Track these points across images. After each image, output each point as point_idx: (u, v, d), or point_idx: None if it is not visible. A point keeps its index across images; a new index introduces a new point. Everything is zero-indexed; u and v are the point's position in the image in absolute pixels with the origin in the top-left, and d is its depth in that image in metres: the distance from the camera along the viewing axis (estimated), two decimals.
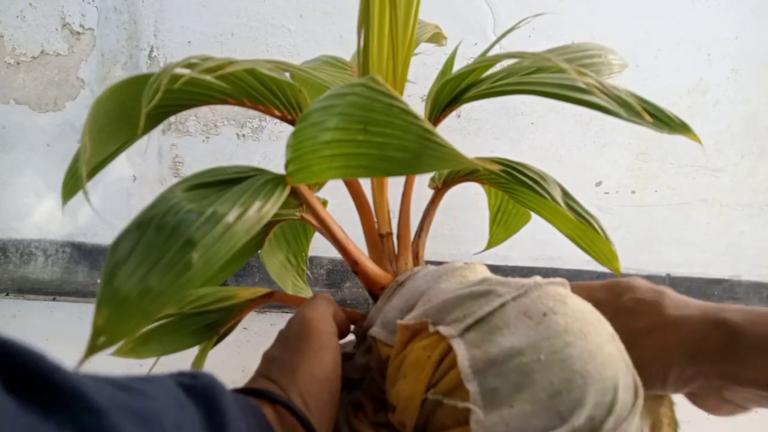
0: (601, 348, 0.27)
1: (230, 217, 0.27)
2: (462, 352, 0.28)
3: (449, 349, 0.29)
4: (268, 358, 0.36)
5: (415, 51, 0.42)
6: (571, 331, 0.27)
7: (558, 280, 0.31)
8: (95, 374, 0.20)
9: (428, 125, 0.26)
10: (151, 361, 0.45)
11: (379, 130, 0.27)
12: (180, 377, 0.25)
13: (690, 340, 0.32)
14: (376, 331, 0.36)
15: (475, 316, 0.29)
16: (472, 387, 0.27)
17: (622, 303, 0.36)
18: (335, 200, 0.60)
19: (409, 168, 0.27)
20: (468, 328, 0.29)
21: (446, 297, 0.32)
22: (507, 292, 0.30)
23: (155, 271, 0.25)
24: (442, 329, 0.30)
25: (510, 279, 0.31)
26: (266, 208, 0.29)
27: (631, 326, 0.34)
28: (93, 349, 0.23)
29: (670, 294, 0.37)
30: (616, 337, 0.29)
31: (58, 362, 0.17)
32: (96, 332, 0.23)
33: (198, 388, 0.24)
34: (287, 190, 0.31)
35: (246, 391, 0.32)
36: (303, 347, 0.35)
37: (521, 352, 0.27)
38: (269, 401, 0.31)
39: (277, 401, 0.31)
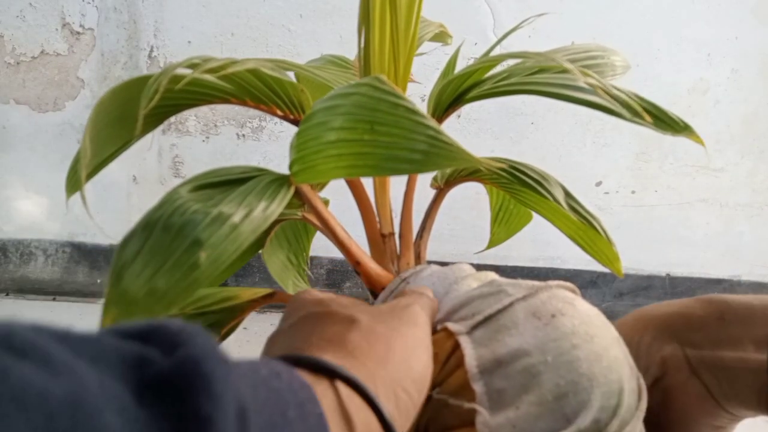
0: (607, 351, 0.27)
1: (236, 218, 0.27)
2: (469, 351, 0.28)
3: (456, 346, 0.29)
4: (323, 337, 0.25)
5: (419, 51, 0.42)
6: (578, 334, 0.27)
7: (568, 285, 0.31)
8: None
9: (435, 124, 0.26)
10: None
11: (385, 130, 0.27)
12: (149, 347, 0.16)
13: (674, 311, 0.32)
14: None
15: (484, 314, 0.29)
16: (478, 387, 0.27)
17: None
18: (336, 200, 0.60)
19: (417, 167, 0.27)
20: (476, 326, 0.29)
21: (456, 295, 0.32)
22: (516, 292, 0.30)
23: (162, 272, 0.25)
24: (451, 326, 0.30)
25: (521, 281, 0.32)
26: (271, 208, 0.29)
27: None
28: None
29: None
30: (621, 341, 0.29)
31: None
32: None
33: (173, 365, 0.15)
34: (292, 190, 0.31)
35: (292, 360, 0.22)
36: (403, 330, 0.26)
37: (528, 353, 0.27)
38: (329, 379, 0.21)
39: (346, 379, 0.21)
